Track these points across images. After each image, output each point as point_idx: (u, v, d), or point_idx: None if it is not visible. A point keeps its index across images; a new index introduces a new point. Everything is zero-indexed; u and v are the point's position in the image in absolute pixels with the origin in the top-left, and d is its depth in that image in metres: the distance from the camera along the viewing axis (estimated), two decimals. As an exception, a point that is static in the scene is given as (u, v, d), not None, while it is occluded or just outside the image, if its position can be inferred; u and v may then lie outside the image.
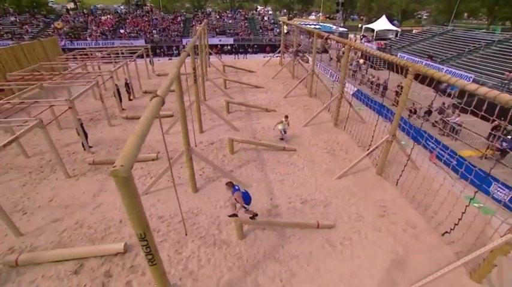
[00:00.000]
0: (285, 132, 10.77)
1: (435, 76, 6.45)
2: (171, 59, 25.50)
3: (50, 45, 17.64)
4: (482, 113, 5.77)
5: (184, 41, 28.05)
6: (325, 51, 24.59)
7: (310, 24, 37.08)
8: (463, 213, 6.10)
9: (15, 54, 14.67)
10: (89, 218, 7.08)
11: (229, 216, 6.57)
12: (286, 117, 10.73)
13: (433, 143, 10.32)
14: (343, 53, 26.56)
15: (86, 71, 13.97)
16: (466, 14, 59.09)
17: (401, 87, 15.95)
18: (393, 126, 8.25)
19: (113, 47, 19.58)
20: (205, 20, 19.00)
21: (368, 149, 9.82)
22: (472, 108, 6.25)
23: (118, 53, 18.37)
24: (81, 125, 9.90)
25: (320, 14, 74.49)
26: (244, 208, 6.27)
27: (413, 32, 39.21)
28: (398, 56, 22.48)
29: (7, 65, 13.99)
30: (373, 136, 9.72)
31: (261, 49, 28.32)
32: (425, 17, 71.09)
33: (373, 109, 13.63)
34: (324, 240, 6.59)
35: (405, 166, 8.25)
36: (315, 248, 6.36)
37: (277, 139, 10.97)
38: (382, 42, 30.94)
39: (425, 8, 66.16)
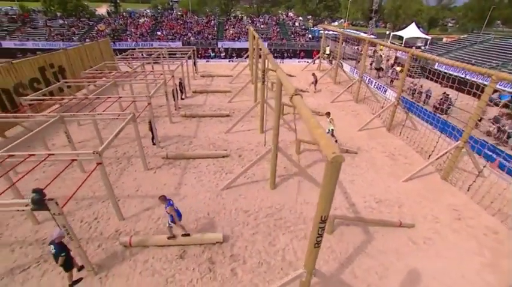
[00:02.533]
0: (332, 133, 10.53)
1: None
2: (208, 61, 26.34)
3: (104, 46, 18.70)
4: None
5: (219, 43, 28.90)
6: (380, 68, 23.11)
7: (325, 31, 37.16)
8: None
9: (80, 54, 15.71)
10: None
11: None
12: (328, 114, 10.71)
13: (492, 152, 10.29)
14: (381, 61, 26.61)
15: (150, 70, 14.74)
16: (498, 22, 57.53)
17: (447, 95, 16.19)
18: (465, 133, 8.39)
19: (161, 48, 20.40)
20: (251, 27, 19.56)
21: (430, 155, 10.05)
22: None
23: (164, 54, 19.23)
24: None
25: (342, 20, 74.39)
26: (171, 224, 6.14)
27: (444, 40, 38.67)
28: (437, 64, 22.32)
29: (74, 63, 15.01)
30: (437, 142, 9.90)
31: (295, 54, 28.79)
32: (450, 25, 69.70)
33: (419, 117, 13.69)
34: (406, 238, 6.82)
35: (480, 172, 8.38)
36: (400, 245, 6.60)
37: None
38: (418, 50, 30.71)
39: (453, 16, 64.31)
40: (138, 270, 5.84)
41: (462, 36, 33.21)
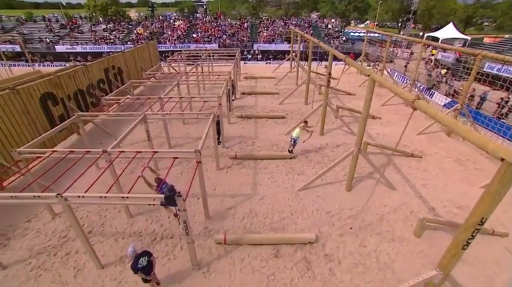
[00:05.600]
0: (295, 142, 9.47)
1: None
2: (246, 63, 26.72)
3: (152, 48, 19.49)
4: None
5: (254, 46, 29.22)
6: (433, 87, 19.58)
7: (361, 32, 36.40)
8: None
9: (134, 55, 16.49)
10: (260, 209, 7.68)
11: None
12: (306, 123, 9.77)
13: None
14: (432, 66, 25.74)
15: (208, 72, 15.17)
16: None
17: (507, 101, 15.45)
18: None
19: (206, 51, 20.95)
20: (297, 29, 19.65)
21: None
22: None
23: (209, 56, 19.73)
24: (218, 121, 10.77)
25: (368, 22, 72.58)
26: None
27: (486, 40, 36.84)
28: (486, 66, 21.43)
29: (129, 65, 15.77)
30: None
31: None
32: (486, 24, 66.00)
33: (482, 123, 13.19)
34: (502, 248, 6.59)
35: None
36: (498, 255, 6.38)
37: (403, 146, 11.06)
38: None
39: (492, 14, 59.94)
40: (238, 267, 6.01)
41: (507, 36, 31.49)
